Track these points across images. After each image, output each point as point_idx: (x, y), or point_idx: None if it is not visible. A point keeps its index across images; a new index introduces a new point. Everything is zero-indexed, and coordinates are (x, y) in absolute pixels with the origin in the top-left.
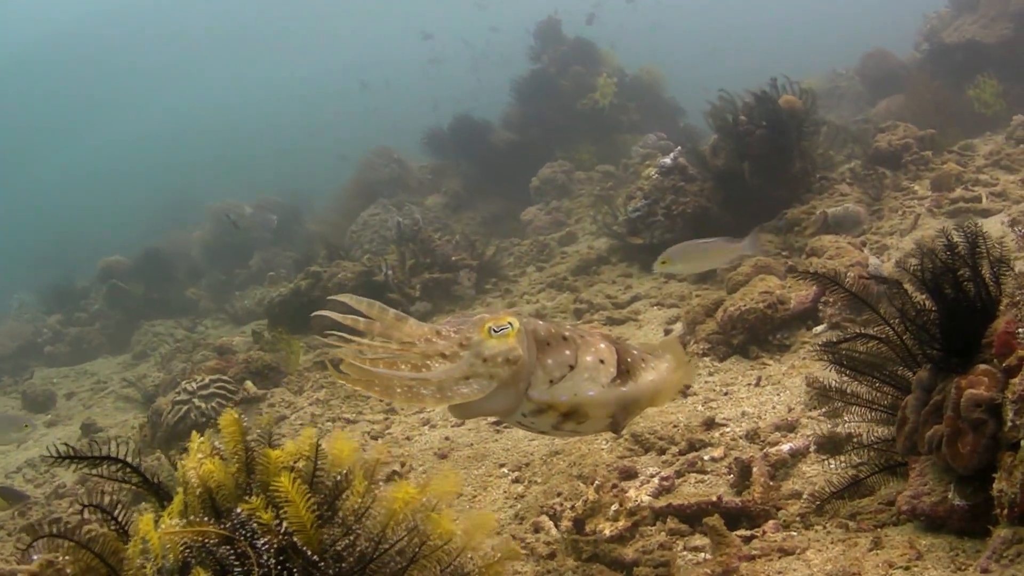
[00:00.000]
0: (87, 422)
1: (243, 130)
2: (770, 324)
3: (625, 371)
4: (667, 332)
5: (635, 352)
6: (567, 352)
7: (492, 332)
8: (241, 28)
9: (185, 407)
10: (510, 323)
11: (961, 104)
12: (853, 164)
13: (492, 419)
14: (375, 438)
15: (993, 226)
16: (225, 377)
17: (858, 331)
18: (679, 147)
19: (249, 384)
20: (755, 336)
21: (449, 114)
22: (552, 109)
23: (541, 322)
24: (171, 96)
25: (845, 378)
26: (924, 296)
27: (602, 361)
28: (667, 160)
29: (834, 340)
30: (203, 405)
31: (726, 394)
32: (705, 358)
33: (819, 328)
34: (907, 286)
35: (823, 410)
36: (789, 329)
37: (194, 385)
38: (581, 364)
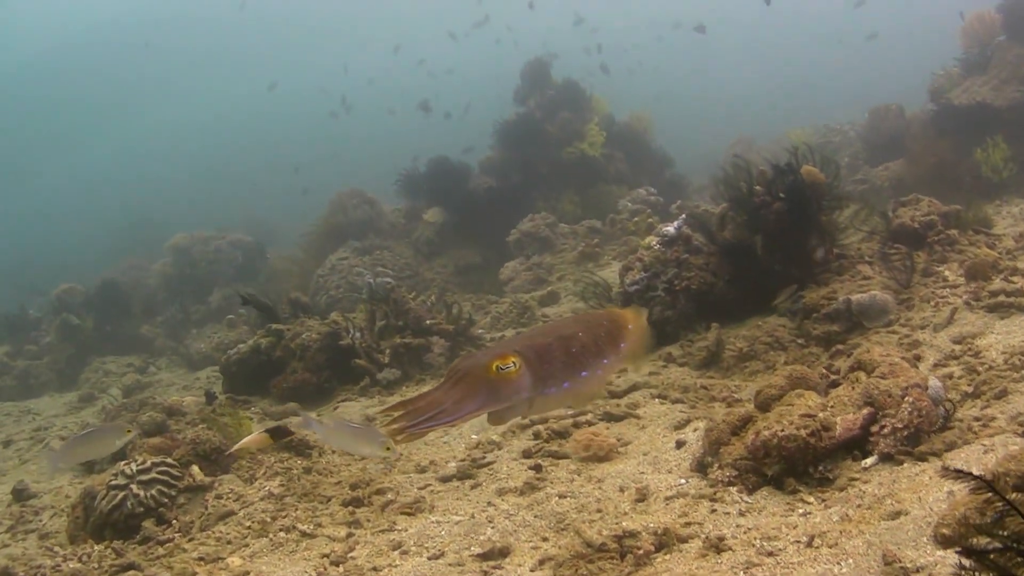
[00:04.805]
0: (19, 486)
1: (213, 159)
2: (812, 454)
3: (602, 346)
4: (679, 443)
5: (604, 323)
6: (557, 354)
7: (499, 370)
8: (213, 55)
9: (122, 494)
10: (513, 362)
11: (966, 168)
12: (872, 240)
13: (476, 550)
14: (336, 564)
15: None
16: (169, 460)
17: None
18: (684, 215)
19: (196, 469)
20: (793, 467)
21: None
22: (536, 155)
23: (531, 342)
24: (142, 123)
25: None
26: None
27: (584, 347)
28: (671, 229)
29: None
30: (142, 493)
31: (771, 554)
32: (731, 487)
33: (869, 461)
34: None
35: None
36: (833, 459)
37: (134, 468)
38: (570, 356)
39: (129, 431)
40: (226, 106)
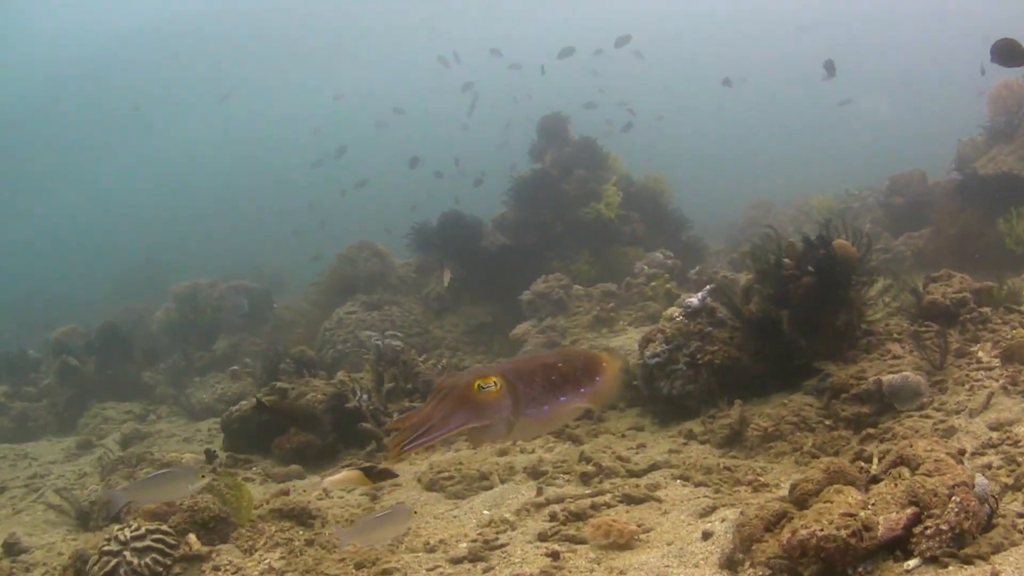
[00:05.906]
0: (11, 539)
1: (219, 205)
2: (852, 555)
3: (580, 377)
4: (706, 535)
5: (582, 357)
6: (537, 378)
7: (481, 388)
8: (219, 90)
9: (115, 560)
10: (494, 382)
11: (991, 240)
12: (901, 317)
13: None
14: None
15: None
16: (165, 527)
17: None
18: (708, 286)
19: (192, 538)
20: (831, 568)
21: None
22: (551, 214)
23: (513, 366)
24: (147, 166)
25: None
26: None
27: (563, 375)
28: (694, 300)
29: None
30: (135, 560)
31: None
32: None
33: (912, 563)
34: None
35: None
36: (873, 560)
37: (127, 534)
38: (549, 383)
39: (203, 476)
40: (233, 147)
